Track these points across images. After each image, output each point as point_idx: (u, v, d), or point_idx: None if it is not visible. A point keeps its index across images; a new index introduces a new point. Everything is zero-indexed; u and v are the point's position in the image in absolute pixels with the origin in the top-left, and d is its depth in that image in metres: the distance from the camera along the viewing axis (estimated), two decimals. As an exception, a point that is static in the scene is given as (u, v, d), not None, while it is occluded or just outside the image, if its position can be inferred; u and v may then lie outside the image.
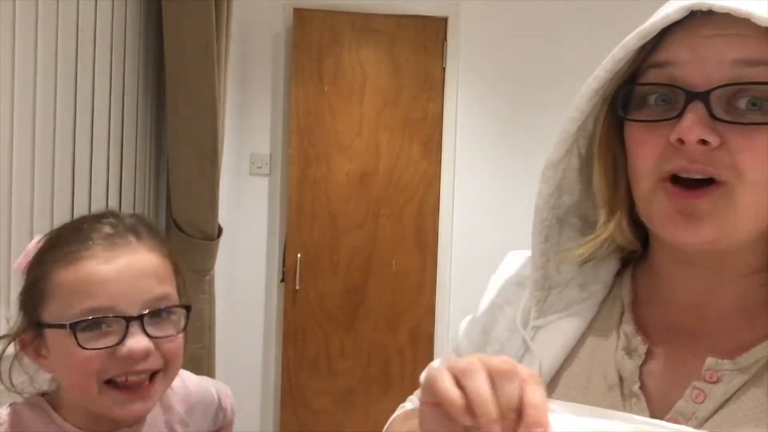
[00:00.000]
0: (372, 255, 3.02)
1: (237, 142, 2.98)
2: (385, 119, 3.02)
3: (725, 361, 0.53)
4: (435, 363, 0.78)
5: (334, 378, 3.00)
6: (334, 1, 2.99)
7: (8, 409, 0.75)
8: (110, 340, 0.69)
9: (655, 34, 0.53)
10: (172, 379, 0.77)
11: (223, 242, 2.25)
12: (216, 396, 0.93)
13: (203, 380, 0.93)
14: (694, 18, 0.51)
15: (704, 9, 0.49)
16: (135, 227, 0.76)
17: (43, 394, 0.79)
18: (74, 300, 0.70)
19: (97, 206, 1.60)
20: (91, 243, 0.72)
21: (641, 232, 0.62)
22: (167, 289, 0.74)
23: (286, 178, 3.05)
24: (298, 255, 3.01)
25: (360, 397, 2.97)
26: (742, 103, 0.50)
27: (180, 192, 2.05)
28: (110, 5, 1.75)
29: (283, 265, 3.06)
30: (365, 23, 3.01)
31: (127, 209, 1.76)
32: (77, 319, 0.69)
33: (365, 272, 3.02)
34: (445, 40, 3.03)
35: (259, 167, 3.09)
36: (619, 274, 0.64)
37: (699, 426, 0.51)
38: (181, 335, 0.75)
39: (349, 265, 3.03)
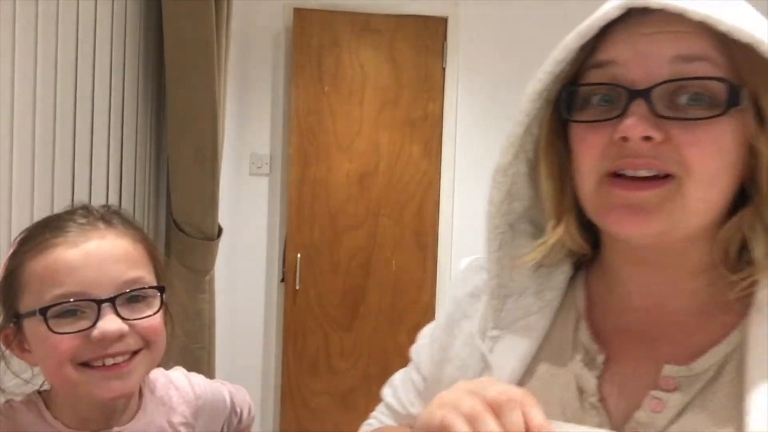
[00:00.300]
0: (372, 255, 3.02)
1: (237, 142, 2.98)
2: (385, 119, 3.02)
3: (681, 367, 0.53)
4: (396, 377, 0.77)
5: (334, 378, 3.00)
6: (334, 1, 2.99)
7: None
8: (83, 324, 0.69)
9: (594, 33, 0.53)
10: (157, 357, 0.76)
11: (223, 242, 2.25)
12: (228, 401, 0.92)
13: (214, 384, 0.92)
14: (631, 16, 0.52)
15: (640, 6, 0.50)
16: (105, 216, 0.76)
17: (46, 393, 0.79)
18: (45, 287, 0.70)
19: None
20: (61, 232, 0.72)
21: (591, 235, 0.62)
22: (140, 273, 0.74)
23: (286, 178, 3.05)
24: (298, 255, 3.01)
25: (360, 397, 2.97)
26: (684, 99, 0.50)
27: (180, 192, 2.05)
28: (110, 5, 1.75)
29: (283, 265, 3.06)
30: (365, 23, 3.01)
31: (126, 209, 1.75)
32: (47, 305, 0.69)
33: (365, 272, 3.02)
34: (445, 40, 3.03)
35: (259, 167, 3.09)
36: (572, 278, 0.64)
37: None
38: (159, 315, 0.75)
39: (349, 265, 3.03)
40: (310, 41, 2.99)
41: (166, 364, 0.90)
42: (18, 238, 0.76)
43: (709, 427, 0.50)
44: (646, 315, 0.58)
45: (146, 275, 0.76)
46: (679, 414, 0.52)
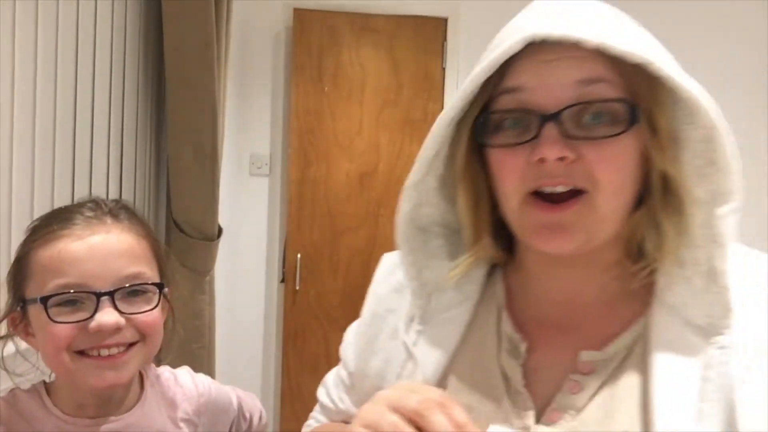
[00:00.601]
0: (372, 255, 3.02)
1: (237, 142, 2.98)
2: (385, 119, 3.02)
3: (596, 352, 0.59)
4: (328, 377, 0.82)
5: (334, 378, 3.00)
6: (334, 1, 2.99)
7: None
8: (82, 315, 0.72)
9: (499, 65, 0.57)
10: (152, 350, 0.79)
11: (223, 242, 2.25)
12: (235, 403, 0.94)
13: (220, 385, 0.94)
14: (533, 43, 0.56)
15: (539, 40, 0.55)
16: (113, 210, 0.79)
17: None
18: (49, 277, 0.72)
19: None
20: (68, 224, 0.75)
21: (505, 240, 0.67)
22: (141, 268, 0.76)
23: (286, 178, 3.05)
24: (298, 255, 3.01)
25: (360, 397, 2.96)
26: (589, 118, 0.56)
27: (180, 192, 2.05)
28: (110, 5, 1.75)
29: (283, 265, 3.06)
30: (365, 23, 3.01)
31: (127, 209, 1.75)
32: (48, 294, 0.72)
33: (365, 272, 3.01)
34: (445, 40, 3.03)
35: (259, 167, 3.09)
36: (490, 273, 0.69)
37: (578, 413, 0.57)
38: (157, 311, 0.77)
39: (349, 265, 3.03)
40: (310, 41, 2.99)
41: (172, 362, 0.92)
42: (30, 226, 0.79)
43: (622, 401, 0.56)
44: (562, 307, 0.64)
45: (147, 271, 0.78)
46: (595, 393, 0.57)
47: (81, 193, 1.61)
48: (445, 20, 3.03)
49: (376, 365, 0.70)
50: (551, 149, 0.54)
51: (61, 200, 1.51)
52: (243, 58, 3.00)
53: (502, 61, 0.57)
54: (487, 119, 0.59)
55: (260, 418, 0.98)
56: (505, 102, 0.58)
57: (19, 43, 1.32)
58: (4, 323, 0.79)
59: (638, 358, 0.58)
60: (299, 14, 2.97)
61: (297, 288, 3.02)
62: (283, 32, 3.07)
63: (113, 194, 1.79)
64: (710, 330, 0.55)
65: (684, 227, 0.57)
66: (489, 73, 0.58)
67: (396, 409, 0.51)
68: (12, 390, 0.80)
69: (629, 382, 0.57)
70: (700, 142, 0.57)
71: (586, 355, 0.59)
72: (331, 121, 3.02)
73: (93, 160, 1.67)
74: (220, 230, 2.21)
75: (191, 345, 2.10)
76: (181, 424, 0.85)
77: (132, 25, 1.89)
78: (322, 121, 3.01)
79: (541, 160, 0.55)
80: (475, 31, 3.02)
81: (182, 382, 0.89)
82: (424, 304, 0.68)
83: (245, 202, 3.08)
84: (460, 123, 0.62)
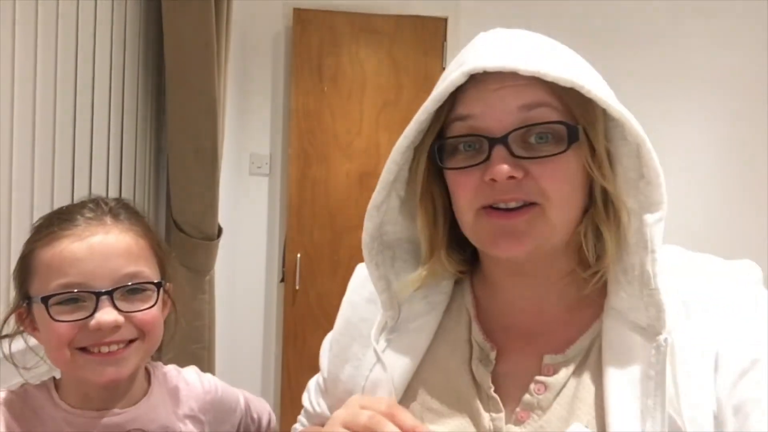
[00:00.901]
0: (372, 255, 3.02)
1: (237, 142, 2.98)
2: (385, 119, 3.02)
3: (557, 355, 0.65)
4: (310, 382, 0.89)
5: (334, 378, 3.00)
6: (334, 1, 2.99)
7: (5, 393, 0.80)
8: (82, 314, 0.75)
9: (446, 97, 0.64)
10: (151, 347, 0.81)
11: (223, 242, 2.25)
12: (242, 403, 0.96)
13: (228, 386, 0.96)
14: (477, 76, 0.62)
15: (480, 71, 0.61)
16: (114, 210, 0.81)
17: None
18: (51, 276, 0.75)
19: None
20: (70, 225, 0.77)
21: (469, 254, 0.73)
22: (139, 267, 0.79)
23: (286, 178, 3.05)
24: (298, 255, 3.01)
25: (360, 397, 2.96)
26: (533, 139, 0.62)
27: (180, 192, 2.05)
28: (110, 5, 1.75)
29: (283, 265, 3.06)
30: (365, 23, 3.01)
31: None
32: (50, 293, 0.74)
33: (365, 272, 3.01)
34: (445, 40, 3.03)
35: (259, 167, 3.09)
36: (458, 282, 0.75)
37: (544, 412, 0.63)
38: (155, 309, 0.79)
39: (349, 265, 3.01)
40: (310, 41, 2.99)
41: (172, 362, 0.93)
42: (33, 225, 0.81)
43: (581, 400, 0.61)
44: (527, 315, 0.69)
45: (146, 269, 0.80)
46: (559, 392, 0.63)
47: (81, 193, 1.61)
48: (445, 20, 3.03)
49: (348, 371, 0.75)
50: (500, 170, 0.60)
51: (61, 200, 1.51)
52: (243, 58, 3.00)
53: (448, 93, 0.63)
54: (443, 144, 0.66)
55: (269, 421, 1.00)
56: (457, 128, 0.65)
57: (19, 43, 1.32)
58: (10, 319, 0.82)
59: (594, 359, 0.63)
60: (299, 14, 2.97)
61: (297, 288, 3.02)
62: (283, 32, 3.07)
63: (113, 194, 1.79)
64: (650, 330, 0.61)
65: (621, 235, 0.63)
66: (438, 104, 0.64)
67: (349, 428, 0.58)
68: (23, 385, 0.82)
69: (587, 381, 0.62)
70: (632, 157, 0.63)
71: (548, 359, 0.65)
72: (331, 121, 3.02)
73: (93, 160, 1.67)
74: (220, 230, 2.21)
75: (191, 345, 2.10)
76: (186, 421, 0.87)
77: (132, 25, 1.89)
78: (322, 121, 3.01)
79: (493, 180, 0.61)
80: (475, 31, 3.00)
81: (188, 380, 0.91)
82: (395, 314, 0.72)
83: (245, 202, 3.08)
84: (417, 148, 0.69)
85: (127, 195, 1.89)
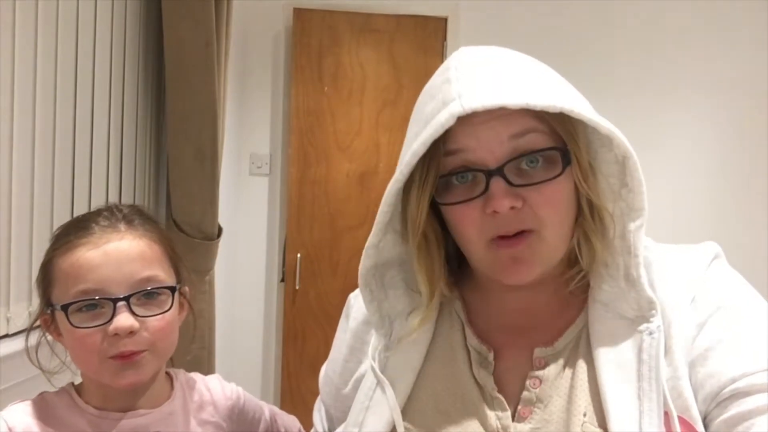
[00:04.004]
0: (372, 255, 3.02)
1: (237, 142, 2.98)
2: (385, 119, 3.02)
3: (547, 348, 0.68)
4: (317, 402, 0.89)
5: (334, 378, 3.00)
6: (334, 1, 2.99)
7: (18, 408, 0.81)
8: (101, 320, 0.77)
9: (434, 140, 0.63)
10: (164, 354, 0.83)
11: (223, 242, 2.24)
12: (267, 415, 0.99)
13: (252, 397, 0.99)
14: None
15: (469, 113, 0.61)
16: (128, 216, 0.84)
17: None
18: (70, 284, 0.78)
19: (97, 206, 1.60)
20: (85, 233, 0.80)
21: (454, 264, 0.76)
22: (154, 272, 0.81)
23: (286, 178, 3.05)
24: (298, 255, 3.01)
25: (360, 397, 2.96)
26: (525, 164, 0.64)
27: (180, 192, 2.04)
28: (110, 5, 1.75)
29: (283, 265, 3.06)
30: (365, 23, 3.01)
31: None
32: (69, 301, 0.77)
33: (365, 272, 3.01)
34: (445, 40, 3.03)
35: (259, 167, 3.09)
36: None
37: (545, 405, 0.64)
38: (170, 313, 0.81)
39: (349, 265, 3.03)
40: (310, 41, 2.99)
41: (175, 360, 0.94)
42: (54, 234, 0.84)
43: (577, 388, 0.64)
44: (518, 314, 0.72)
45: (161, 274, 0.82)
46: (553, 383, 0.65)
47: (81, 194, 1.61)
48: (445, 20, 3.03)
49: (348, 392, 0.78)
50: (502, 203, 0.62)
51: (61, 200, 1.51)
52: (243, 58, 3.00)
53: (437, 135, 0.63)
54: (439, 182, 0.67)
55: None
56: (450, 163, 0.66)
57: (19, 43, 1.32)
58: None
59: (584, 349, 0.66)
60: (299, 14, 2.97)
61: (297, 288, 3.02)
62: (283, 32, 3.07)
63: (113, 194, 1.79)
64: (638, 320, 0.64)
65: (607, 240, 0.67)
66: (427, 147, 0.64)
67: None
68: (40, 394, 0.84)
69: (580, 370, 0.65)
70: (614, 164, 0.66)
71: (538, 352, 0.68)
72: (331, 121, 3.02)
73: (93, 160, 1.67)
74: (220, 230, 2.21)
75: (191, 345, 2.10)
76: (207, 426, 0.89)
77: (132, 25, 1.89)
78: (322, 121, 3.01)
79: (495, 212, 0.63)
80: (475, 31, 3.03)
81: (210, 387, 0.93)
82: (388, 332, 0.74)
83: (245, 202, 3.08)
84: (408, 186, 0.68)
85: (127, 195, 1.89)
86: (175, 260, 0.86)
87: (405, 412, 0.69)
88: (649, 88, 3.09)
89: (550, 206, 0.64)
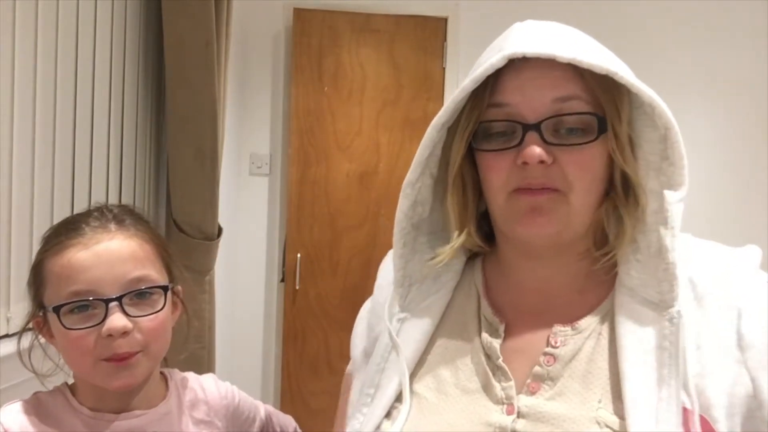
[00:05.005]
0: (372, 255, 3.02)
1: (237, 142, 2.98)
2: (385, 119, 3.02)
3: (566, 327, 0.68)
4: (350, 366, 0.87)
5: (334, 378, 2.98)
6: (334, 1, 2.99)
7: (14, 407, 0.80)
8: (93, 321, 0.77)
9: (484, 79, 0.67)
10: (157, 355, 0.82)
11: (223, 242, 2.25)
12: (263, 415, 0.98)
13: (248, 397, 0.98)
14: (516, 63, 0.66)
15: (520, 56, 0.64)
16: (119, 216, 0.83)
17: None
18: (61, 285, 0.77)
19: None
20: (76, 234, 0.79)
21: (485, 235, 0.77)
22: (146, 271, 0.80)
23: (286, 178, 3.05)
24: (298, 255, 3.01)
25: (360, 397, 2.96)
26: (564, 131, 0.66)
27: (180, 192, 2.04)
28: (110, 5, 1.75)
29: (283, 265, 3.06)
30: (365, 23, 3.01)
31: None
32: (61, 303, 0.76)
33: (365, 272, 3.02)
34: (445, 40, 3.03)
35: (259, 167, 3.09)
36: (469, 263, 0.79)
37: (554, 383, 0.65)
38: (163, 313, 0.81)
39: (349, 265, 3.03)
40: (310, 41, 2.99)
41: (172, 362, 0.94)
42: (43, 236, 0.83)
43: (594, 374, 0.64)
44: (536, 294, 0.72)
45: (152, 273, 0.81)
46: (568, 364, 0.65)
47: (81, 193, 1.61)
48: (445, 20, 3.03)
49: (368, 347, 0.80)
50: (532, 154, 0.64)
51: (61, 201, 1.51)
52: (243, 58, 3.00)
53: (487, 75, 0.66)
54: (479, 128, 0.69)
55: None
56: (493, 114, 0.68)
57: (19, 43, 1.32)
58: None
59: (606, 334, 0.66)
60: (299, 14, 2.97)
61: (297, 288, 3.02)
62: (283, 32, 3.07)
63: (113, 194, 1.79)
64: (662, 305, 0.64)
65: (639, 216, 0.67)
66: (475, 85, 0.67)
67: None
68: (34, 394, 0.83)
69: (599, 355, 0.65)
70: (655, 142, 0.67)
71: (557, 329, 0.68)
72: (331, 121, 3.02)
73: (93, 160, 1.67)
74: (220, 230, 2.21)
75: (191, 345, 2.10)
76: (201, 425, 0.88)
77: (132, 24, 1.89)
78: (322, 121, 3.01)
79: (525, 163, 0.65)
80: (475, 31, 3.02)
81: (205, 386, 0.93)
82: (405, 292, 0.76)
83: (245, 202, 3.08)
84: (453, 130, 0.72)
85: (127, 195, 1.89)
86: (167, 259, 0.86)
87: (414, 375, 0.71)
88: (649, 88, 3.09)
89: (580, 169, 0.66)
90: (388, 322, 0.74)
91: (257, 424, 0.97)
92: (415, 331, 0.73)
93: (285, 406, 2.99)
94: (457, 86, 0.66)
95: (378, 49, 3.02)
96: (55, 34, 1.46)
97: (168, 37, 1.93)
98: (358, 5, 3.00)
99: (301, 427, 1.03)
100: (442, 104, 3.14)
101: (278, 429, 1.00)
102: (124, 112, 1.85)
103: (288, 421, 1.03)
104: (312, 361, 3.00)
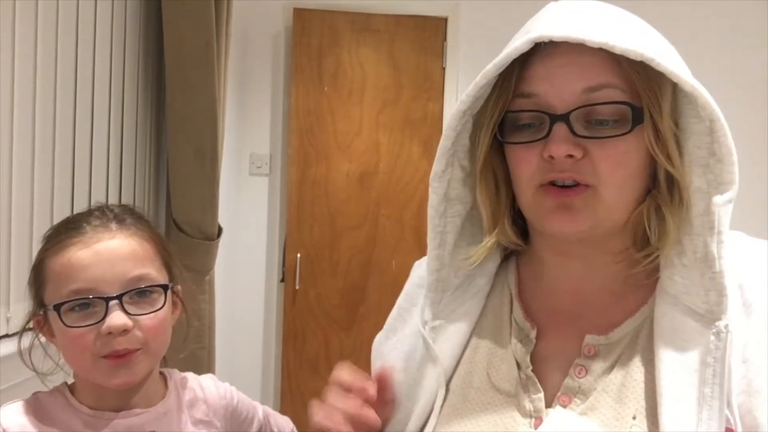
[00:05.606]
0: (372, 255, 3.02)
1: (237, 142, 2.98)
2: (385, 119, 3.02)
3: (600, 337, 0.63)
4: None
5: (334, 378, 3.00)
6: (334, 1, 2.99)
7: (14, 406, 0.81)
8: (93, 319, 0.77)
9: (508, 63, 0.62)
10: (157, 353, 0.83)
11: (223, 242, 2.25)
12: (261, 415, 0.99)
13: (246, 397, 0.98)
14: (542, 47, 0.61)
15: (546, 40, 0.59)
16: (119, 216, 0.83)
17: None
18: (62, 284, 0.78)
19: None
20: (77, 233, 0.80)
21: (520, 231, 0.72)
22: (146, 270, 0.81)
23: (286, 178, 3.05)
24: (298, 255, 3.01)
25: (360, 397, 2.96)
26: (595, 122, 0.61)
27: (180, 192, 2.05)
28: (110, 5, 1.75)
29: (283, 265, 3.06)
30: (365, 23, 3.01)
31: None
32: (61, 301, 0.77)
33: (365, 272, 3.02)
34: (445, 40, 3.03)
35: (259, 167, 3.09)
36: (503, 264, 0.74)
37: (586, 397, 0.60)
38: (162, 311, 0.81)
39: (349, 265, 3.03)
40: (310, 41, 2.99)
41: (172, 362, 0.95)
42: (45, 235, 0.84)
43: (629, 388, 0.59)
44: (570, 296, 0.68)
45: (152, 272, 0.82)
46: (600, 377, 0.61)
47: (81, 193, 1.61)
48: (445, 20, 3.03)
49: (398, 355, 0.74)
50: (559, 147, 0.60)
51: (61, 201, 1.51)
52: (243, 58, 3.00)
53: (511, 59, 0.61)
54: (506, 119, 0.65)
55: None
56: (521, 104, 0.64)
57: (19, 43, 1.32)
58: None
59: (643, 344, 0.61)
60: (299, 14, 2.97)
61: (297, 288, 3.02)
62: (283, 32, 3.07)
63: (113, 194, 1.79)
64: (708, 317, 0.58)
65: (685, 217, 0.61)
66: (500, 70, 0.62)
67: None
68: (34, 394, 0.84)
69: (635, 368, 0.60)
70: (703, 135, 0.60)
71: (590, 339, 0.63)
72: (331, 122, 3.02)
73: (93, 161, 1.67)
74: (220, 230, 2.21)
75: (191, 345, 2.10)
76: (200, 425, 0.89)
77: (132, 25, 1.89)
78: (322, 122, 3.01)
79: (551, 157, 0.60)
80: (475, 31, 3.02)
81: (204, 386, 0.93)
82: (437, 297, 0.71)
83: (245, 202, 3.08)
84: (479, 121, 0.68)
85: (127, 195, 1.89)
86: (167, 259, 0.86)
87: (448, 387, 0.68)
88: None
89: (612, 163, 0.60)
90: (421, 328, 0.71)
91: (255, 424, 0.97)
92: (451, 340, 0.69)
93: (285, 406, 2.99)
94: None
95: (378, 49, 3.02)
96: (55, 34, 1.46)
97: (168, 37, 1.93)
98: (358, 5, 3.00)
99: (301, 427, 1.03)
100: (443, 104, 3.15)
101: (276, 430, 1.00)
102: (124, 112, 1.85)
103: (285, 422, 1.03)
104: (312, 361, 3.00)
